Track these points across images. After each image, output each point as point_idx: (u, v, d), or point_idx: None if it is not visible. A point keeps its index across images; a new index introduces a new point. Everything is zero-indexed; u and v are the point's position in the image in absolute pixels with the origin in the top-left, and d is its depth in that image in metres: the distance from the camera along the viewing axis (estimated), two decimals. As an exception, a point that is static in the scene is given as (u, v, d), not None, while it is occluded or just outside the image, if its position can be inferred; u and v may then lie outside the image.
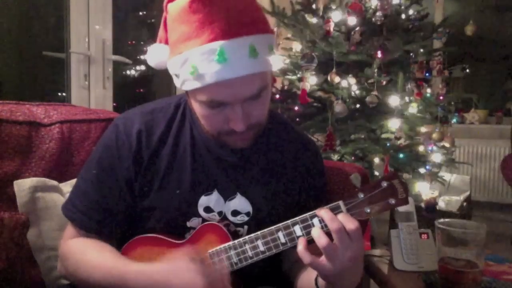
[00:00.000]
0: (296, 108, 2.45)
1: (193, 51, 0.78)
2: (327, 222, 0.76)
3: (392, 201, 0.81)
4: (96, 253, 0.88)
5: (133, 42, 2.93)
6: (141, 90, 3.11)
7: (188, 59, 0.78)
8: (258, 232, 0.84)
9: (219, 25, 0.76)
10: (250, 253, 0.84)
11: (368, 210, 0.81)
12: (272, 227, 0.83)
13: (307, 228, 0.81)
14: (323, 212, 0.78)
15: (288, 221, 0.82)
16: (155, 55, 0.90)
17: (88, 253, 0.89)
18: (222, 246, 0.86)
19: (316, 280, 0.83)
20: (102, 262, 0.86)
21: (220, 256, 0.86)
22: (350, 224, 0.76)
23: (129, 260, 0.86)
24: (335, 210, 0.80)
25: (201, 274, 0.74)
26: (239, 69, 0.77)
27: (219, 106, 0.81)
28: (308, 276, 0.88)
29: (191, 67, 0.78)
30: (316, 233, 0.76)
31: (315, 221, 0.81)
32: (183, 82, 0.82)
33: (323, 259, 0.76)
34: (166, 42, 0.87)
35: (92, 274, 0.85)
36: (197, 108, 0.85)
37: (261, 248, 0.83)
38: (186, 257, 0.77)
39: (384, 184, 0.82)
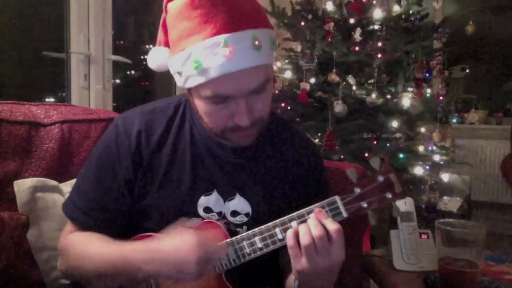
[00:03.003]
0: (296, 108, 2.45)
1: (196, 46, 0.78)
2: (311, 227, 0.76)
3: (389, 195, 0.81)
4: (97, 243, 0.89)
5: (133, 42, 2.93)
6: (141, 90, 3.10)
7: (191, 54, 0.78)
8: (256, 229, 0.84)
9: (221, 18, 0.77)
10: (248, 250, 0.84)
11: (365, 205, 0.81)
12: (269, 224, 0.83)
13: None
14: (311, 218, 0.79)
15: (285, 217, 0.83)
16: (155, 58, 0.90)
17: (89, 243, 0.89)
18: (220, 243, 0.86)
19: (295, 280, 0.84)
20: (102, 249, 0.86)
21: None
22: (333, 225, 0.76)
23: (127, 242, 0.87)
24: (331, 206, 0.81)
25: (197, 244, 0.76)
26: (244, 61, 0.77)
27: (224, 101, 0.81)
28: (292, 277, 0.88)
29: (194, 62, 0.78)
30: (302, 231, 0.77)
31: (312, 216, 0.81)
32: (186, 79, 0.82)
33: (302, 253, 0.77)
34: (166, 45, 0.87)
35: (94, 262, 0.86)
36: (201, 106, 0.85)
37: (259, 244, 0.84)
38: (182, 230, 0.79)
39: (380, 178, 0.82)
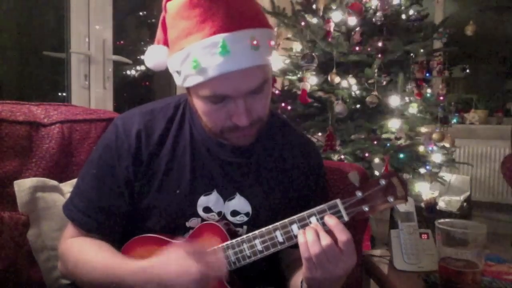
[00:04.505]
0: (296, 108, 2.45)
1: (194, 46, 0.78)
2: (321, 237, 0.76)
3: (391, 199, 0.81)
4: (95, 252, 0.88)
5: (133, 42, 2.93)
6: (141, 90, 3.10)
7: (190, 54, 0.78)
8: (256, 231, 0.84)
9: (220, 18, 0.77)
10: (248, 252, 0.84)
11: (366, 209, 0.80)
12: (270, 226, 0.83)
13: (304, 227, 0.81)
14: (314, 225, 0.79)
15: (286, 220, 0.82)
16: (154, 56, 0.90)
17: (87, 252, 0.89)
18: (220, 245, 0.86)
19: (301, 282, 0.84)
20: (100, 261, 0.86)
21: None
22: (343, 236, 0.76)
23: (126, 259, 0.86)
24: (332, 209, 0.81)
25: (196, 263, 0.75)
26: (242, 61, 0.77)
27: (222, 100, 0.81)
28: (296, 279, 0.89)
29: (193, 62, 0.78)
30: (310, 239, 0.76)
31: (313, 219, 0.81)
32: (185, 78, 0.82)
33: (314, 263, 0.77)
34: (165, 43, 0.87)
35: (91, 273, 0.86)
36: (200, 105, 0.85)
37: (259, 247, 0.83)
38: (180, 249, 0.78)
39: (383, 182, 0.81)
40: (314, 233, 0.77)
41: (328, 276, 0.77)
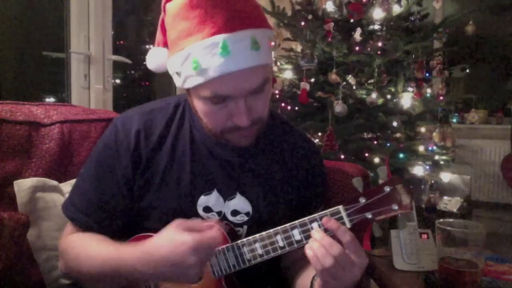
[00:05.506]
0: (296, 108, 2.45)
1: (195, 46, 0.77)
2: (327, 247, 0.74)
3: (395, 207, 0.78)
4: (95, 243, 0.89)
5: (133, 42, 2.93)
6: (141, 90, 3.10)
7: (190, 54, 0.78)
8: (257, 235, 0.83)
9: (220, 18, 0.77)
10: (248, 256, 0.84)
11: (370, 216, 0.78)
12: (271, 230, 0.82)
13: (306, 232, 0.80)
14: (320, 232, 0.78)
15: (287, 225, 0.81)
16: (154, 58, 0.90)
17: (88, 244, 0.89)
18: (220, 248, 0.85)
19: (312, 281, 0.83)
20: (100, 250, 0.87)
21: (218, 258, 0.85)
22: (346, 237, 0.75)
23: (124, 245, 0.87)
24: (335, 216, 0.79)
25: (193, 245, 0.75)
26: (242, 61, 0.77)
27: (223, 101, 0.81)
28: (304, 281, 0.88)
29: (193, 63, 0.78)
30: (320, 253, 0.74)
31: (314, 225, 0.79)
32: (185, 79, 0.82)
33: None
34: (164, 45, 0.87)
35: (93, 263, 0.86)
36: (200, 106, 0.85)
37: (259, 251, 0.83)
38: (170, 227, 0.79)
39: (387, 189, 0.78)
40: (321, 246, 0.75)
41: (344, 282, 0.75)
